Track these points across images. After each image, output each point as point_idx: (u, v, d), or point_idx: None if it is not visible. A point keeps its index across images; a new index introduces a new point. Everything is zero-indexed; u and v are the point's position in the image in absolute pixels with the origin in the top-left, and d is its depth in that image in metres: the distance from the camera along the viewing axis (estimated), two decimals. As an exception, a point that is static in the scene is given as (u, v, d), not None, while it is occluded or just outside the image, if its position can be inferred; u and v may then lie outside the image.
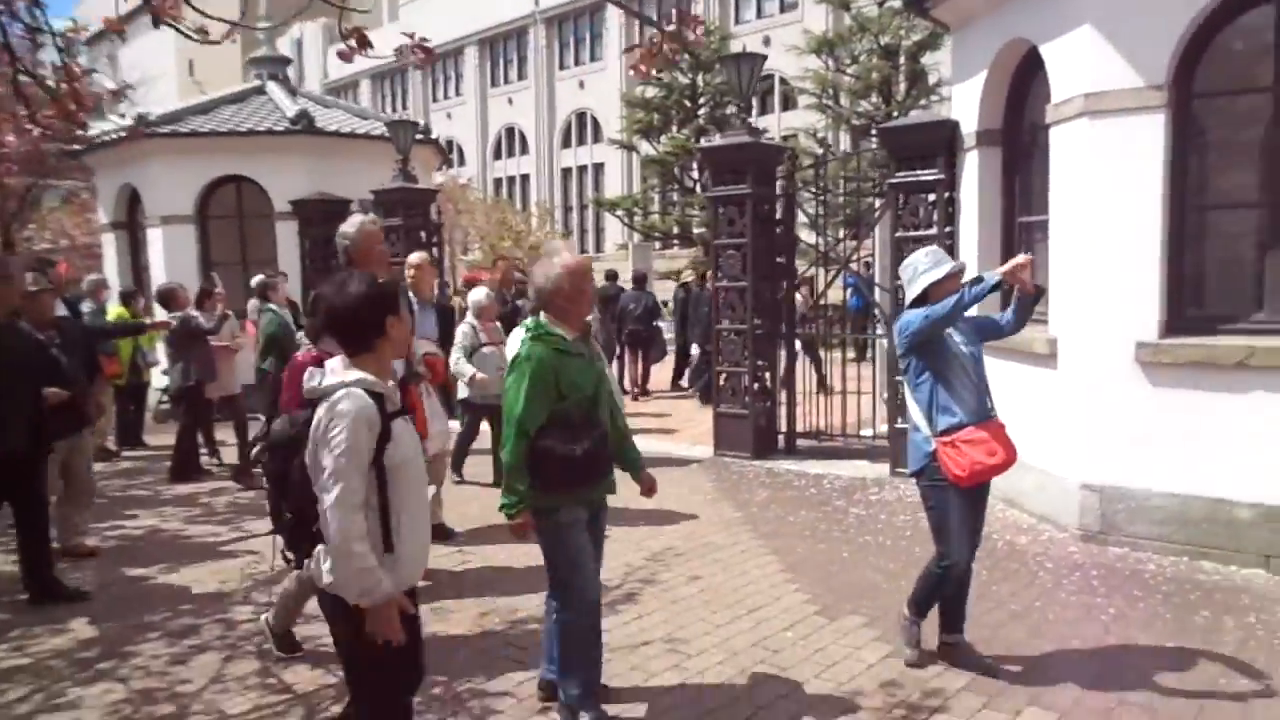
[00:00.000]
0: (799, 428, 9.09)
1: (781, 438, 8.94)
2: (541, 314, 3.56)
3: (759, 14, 35.73)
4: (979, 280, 3.91)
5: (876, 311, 9.75)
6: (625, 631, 4.58)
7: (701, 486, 7.65)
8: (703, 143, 15.63)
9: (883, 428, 8.31)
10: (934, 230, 7.54)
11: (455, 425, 7.55)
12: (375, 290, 2.67)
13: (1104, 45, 5.76)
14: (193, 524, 6.97)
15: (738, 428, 8.73)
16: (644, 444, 4.86)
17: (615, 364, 13.07)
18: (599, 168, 40.13)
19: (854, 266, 10.72)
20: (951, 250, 7.13)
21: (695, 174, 25.19)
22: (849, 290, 12.15)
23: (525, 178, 43.54)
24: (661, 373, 14.16)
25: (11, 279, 5.27)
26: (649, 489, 3.92)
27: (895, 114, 22.05)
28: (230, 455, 8.89)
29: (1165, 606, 4.79)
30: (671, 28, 3.53)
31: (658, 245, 28.14)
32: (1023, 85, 6.98)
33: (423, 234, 11.87)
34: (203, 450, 8.86)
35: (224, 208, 13.14)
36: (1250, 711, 3.66)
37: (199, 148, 12.59)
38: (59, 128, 4.82)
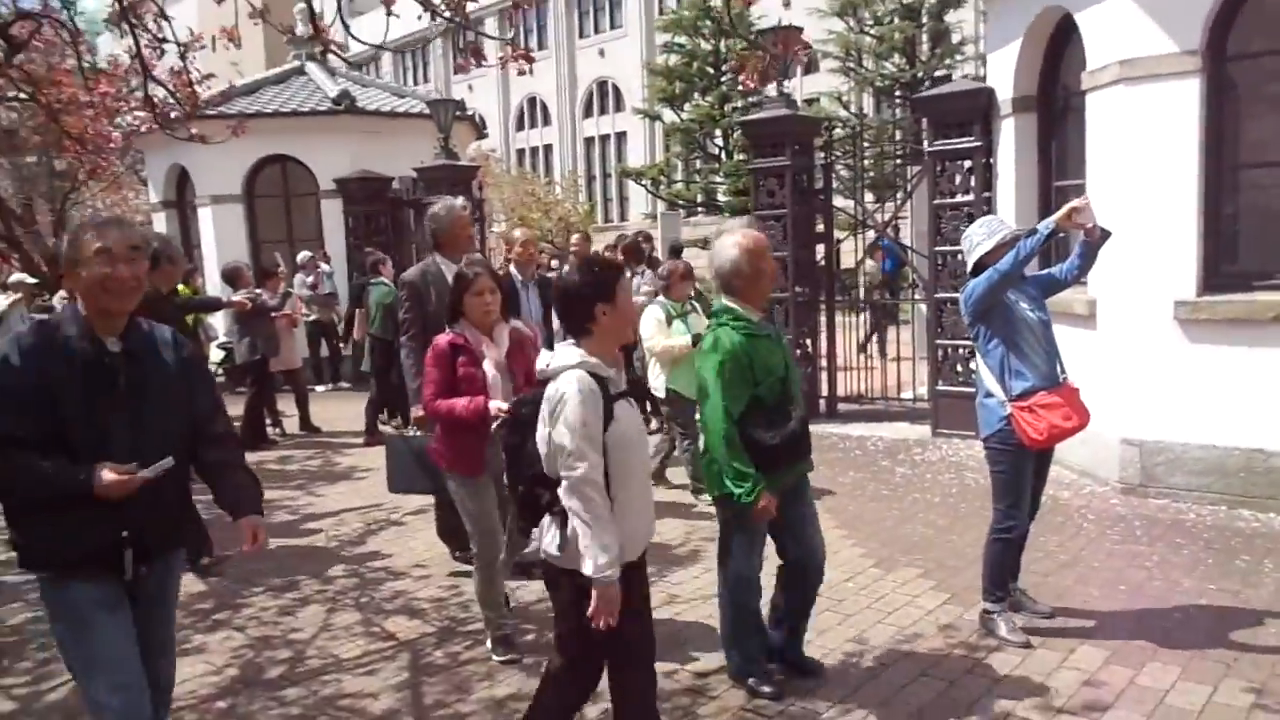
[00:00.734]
0: (840, 391, 9.37)
1: (823, 402, 9.23)
2: (724, 297, 3.51)
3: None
4: (1033, 232, 4.09)
5: (913, 275, 9.97)
6: (696, 584, 4.91)
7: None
8: (741, 116, 15.76)
9: (923, 390, 8.58)
10: (971, 197, 7.76)
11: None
12: (586, 278, 2.74)
13: (1138, 12, 5.93)
14: (268, 489, 7.34)
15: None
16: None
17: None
18: (621, 136, 40.17)
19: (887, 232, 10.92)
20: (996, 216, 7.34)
21: (720, 141, 25.31)
22: (883, 254, 12.38)
23: (548, 148, 43.65)
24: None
25: (176, 260, 5.61)
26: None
27: (920, 75, 22.07)
28: (291, 425, 9.33)
29: (1206, 552, 5.07)
30: (777, 50, 3.75)
31: (683, 214, 28.32)
32: (1057, 52, 7.16)
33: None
34: (266, 420, 9.28)
35: (270, 187, 13.51)
36: (1287, 643, 3.95)
37: (246, 128, 12.91)
38: (168, 124, 5.13)
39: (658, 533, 5.68)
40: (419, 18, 3.73)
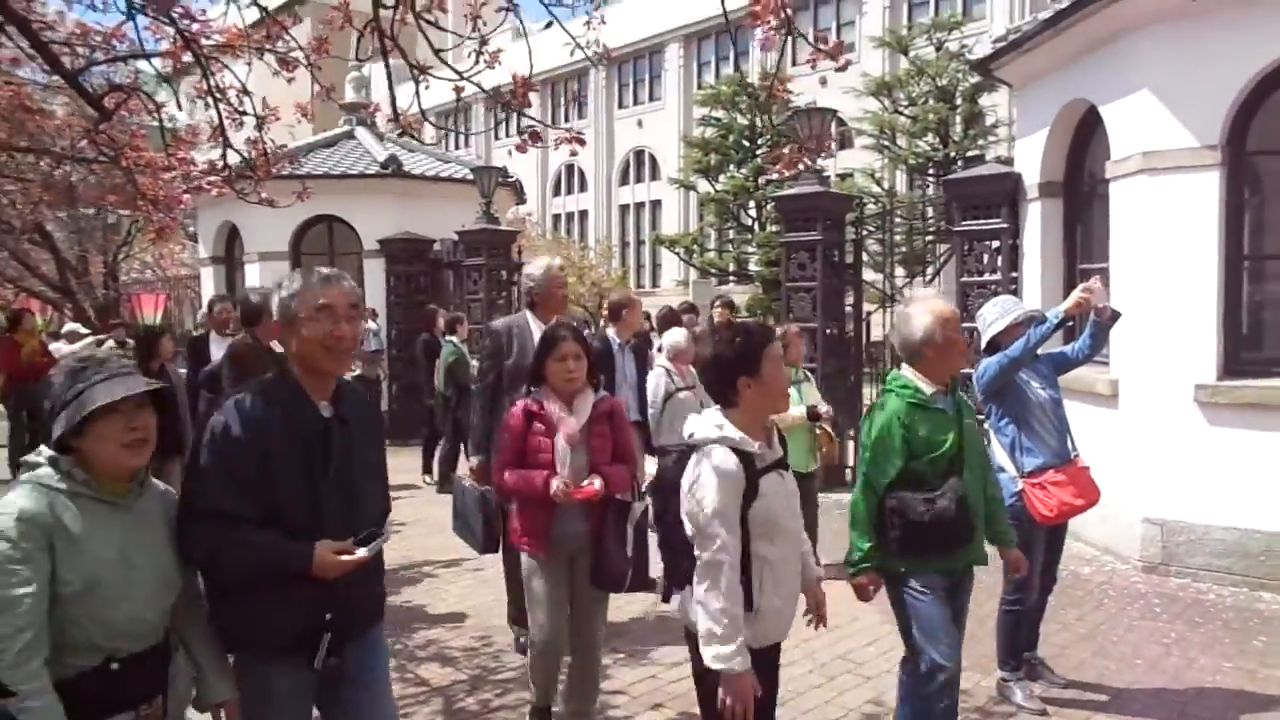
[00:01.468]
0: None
1: (849, 471, 9.35)
2: (903, 366, 3.37)
3: (794, 61, 36.27)
4: (1044, 320, 4.30)
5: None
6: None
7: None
8: (775, 190, 16.16)
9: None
10: (998, 276, 7.98)
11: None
12: (729, 349, 2.61)
13: (1161, 107, 6.19)
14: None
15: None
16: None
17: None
18: (656, 204, 40.90)
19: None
20: (1015, 296, 7.54)
21: (753, 212, 25.78)
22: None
23: (584, 214, 44.49)
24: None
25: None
26: (1015, 568, 3.71)
27: (952, 154, 22.44)
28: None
29: (1225, 632, 5.13)
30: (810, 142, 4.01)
31: (714, 282, 28.70)
32: (1083, 141, 7.43)
33: (503, 273, 12.55)
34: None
35: (316, 245, 14.00)
36: (1301, 724, 4.01)
37: (283, 189, 13.47)
38: (242, 188, 5.51)
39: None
40: (413, 76, 3.90)
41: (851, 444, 9.34)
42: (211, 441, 2.28)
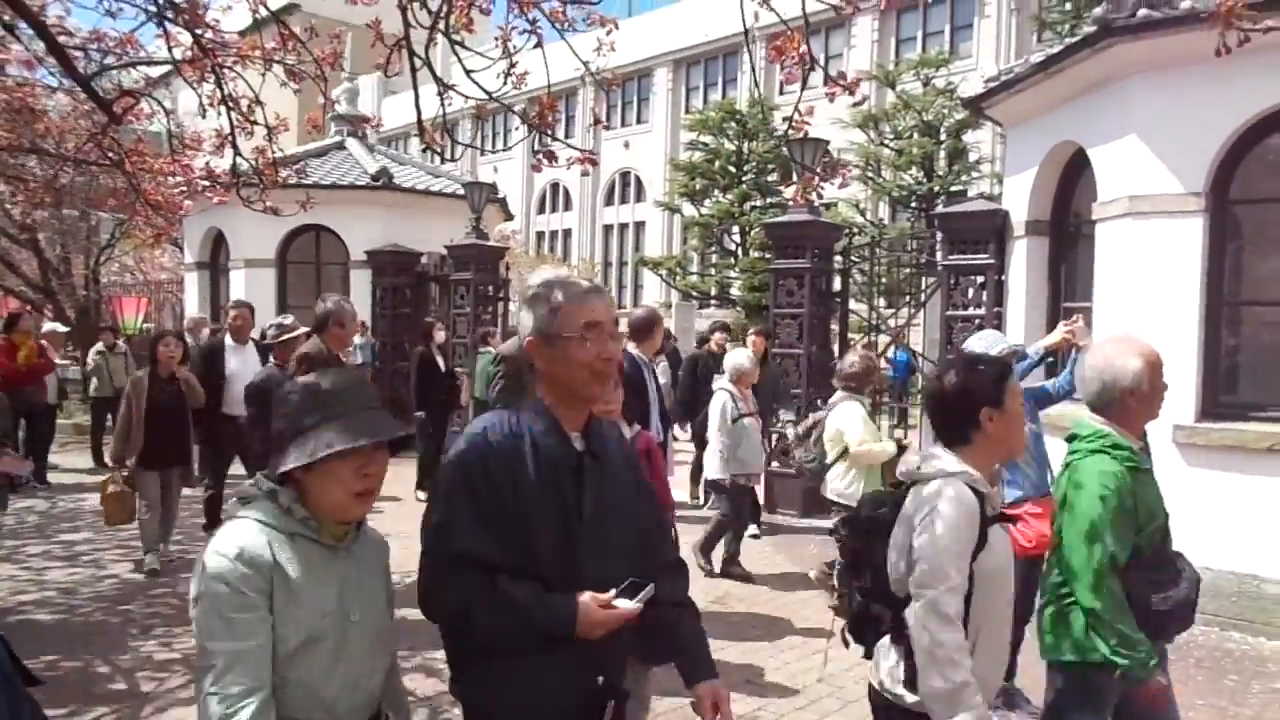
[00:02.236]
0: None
1: (829, 498, 9.43)
2: (1098, 416, 2.91)
3: (804, 85, 36.72)
4: (1024, 357, 4.42)
5: (924, 381, 10.28)
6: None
7: (754, 543, 8.15)
8: (762, 217, 16.32)
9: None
10: (983, 310, 8.11)
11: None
12: (970, 378, 2.39)
13: (1148, 153, 6.35)
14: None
15: (789, 487, 9.25)
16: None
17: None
18: (640, 226, 41.10)
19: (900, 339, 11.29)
20: (999, 331, 7.68)
21: (737, 237, 25.99)
22: (895, 361, 12.74)
23: (568, 232, 44.62)
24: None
25: (345, 323, 5.37)
26: None
27: (936, 189, 22.78)
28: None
29: (1197, 670, 5.23)
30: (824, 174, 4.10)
31: (696, 305, 28.84)
32: (1070, 181, 7.59)
33: (490, 288, 12.58)
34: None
35: (303, 254, 13.98)
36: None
37: (284, 197, 13.45)
38: (248, 196, 5.56)
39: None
40: (439, 93, 3.88)
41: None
42: (460, 475, 1.97)
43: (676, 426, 8.87)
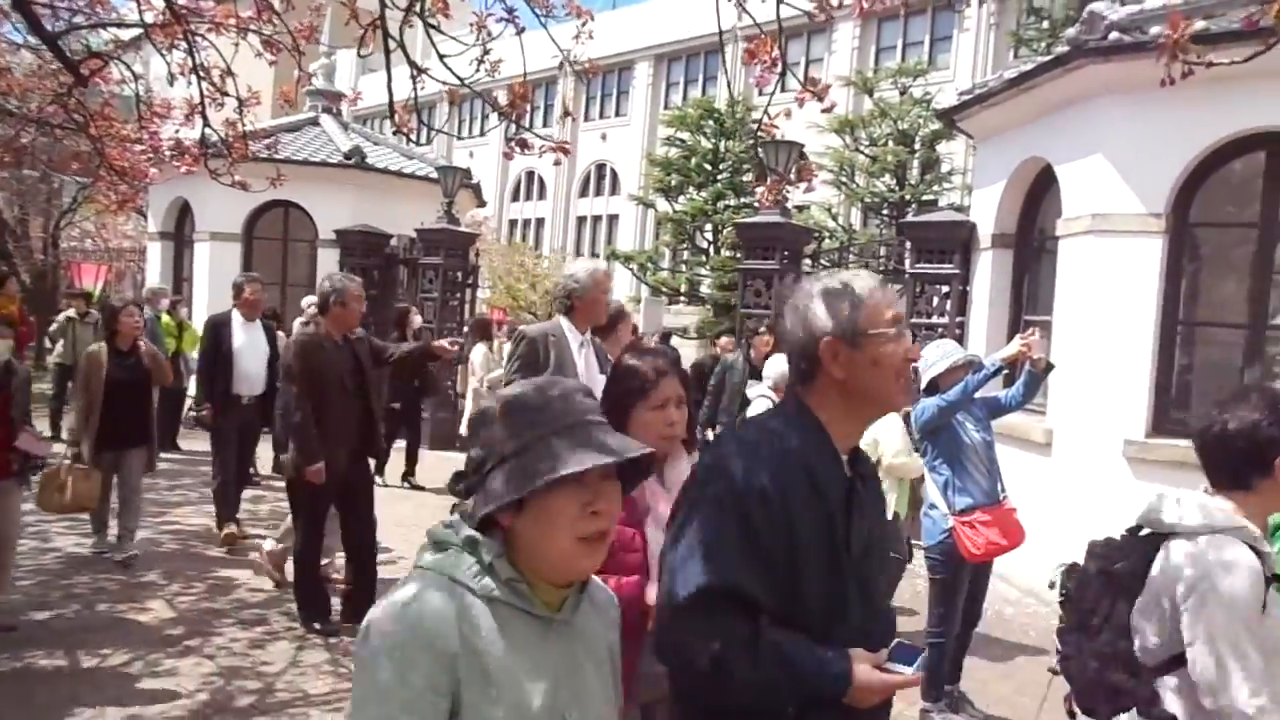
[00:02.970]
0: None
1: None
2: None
3: (782, 88, 36.87)
4: (982, 366, 4.51)
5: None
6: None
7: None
8: (735, 216, 16.38)
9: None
10: (946, 320, 8.21)
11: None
12: (1267, 417, 2.03)
13: (1113, 172, 6.47)
14: (257, 528, 7.47)
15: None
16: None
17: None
18: (614, 219, 41.06)
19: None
20: (961, 340, 7.79)
21: (710, 235, 26.05)
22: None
23: (540, 221, 44.47)
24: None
25: (349, 302, 5.09)
26: None
27: (907, 197, 22.97)
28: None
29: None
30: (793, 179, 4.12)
31: (665, 301, 28.92)
32: (1037, 196, 7.71)
33: (459, 274, 12.53)
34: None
35: (270, 229, 13.82)
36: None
37: (254, 171, 13.30)
38: (215, 168, 5.48)
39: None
40: (411, 76, 3.78)
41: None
42: (731, 497, 1.63)
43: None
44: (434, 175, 13.22)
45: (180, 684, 4.35)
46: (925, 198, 22.59)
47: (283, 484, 5.75)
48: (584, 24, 4.15)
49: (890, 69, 25.08)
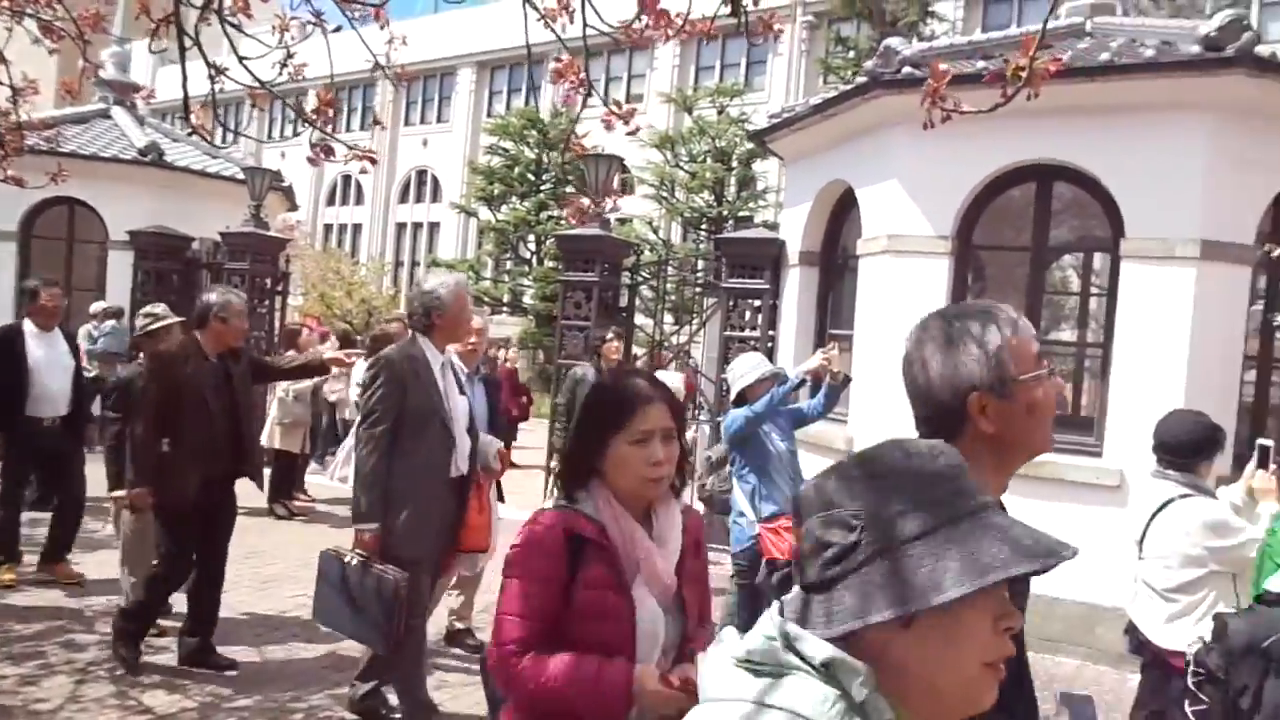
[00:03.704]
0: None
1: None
2: None
3: (604, 101, 37.32)
4: (786, 379, 4.77)
5: (700, 398, 10.68)
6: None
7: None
8: (557, 228, 16.42)
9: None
10: (758, 333, 8.55)
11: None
12: None
13: (906, 197, 6.94)
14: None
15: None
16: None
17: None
18: (435, 227, 40.27)
19: (682, 355, 11.70)
20: (772, 352, 8.14)
21: (532, 245, 26.03)
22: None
23: (358, 227, 43.04)
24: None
25: (229, 318, 4.73)
26: None
27: (725, 213, 23.79)
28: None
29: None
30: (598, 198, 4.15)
31: (488, 311, 28.66)
32: (840, 217, 8.17)
33: (268, 280, 11.95)
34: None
35: (52, 229, 12.74)
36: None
37: (33, 166, 12.20)
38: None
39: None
40: (210, 76, 3.55)
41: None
42: None
43: None
44: (241, 176, 12.57)
45: (-64, 730, 3.94)
46: (742, 214, 23.48)
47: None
48: (385, 29, 4.08)
49: (709, 88, 25.92)
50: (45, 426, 6.06)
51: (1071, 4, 7.48)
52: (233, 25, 3.05)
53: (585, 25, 2.59)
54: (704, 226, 24.34)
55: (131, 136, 12.85)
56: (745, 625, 3.36)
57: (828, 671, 0.97)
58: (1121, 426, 6.20)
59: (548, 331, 15.63)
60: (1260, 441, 3.60)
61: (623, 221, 27.20)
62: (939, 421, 1.53)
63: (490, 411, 4.99)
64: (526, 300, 25.67)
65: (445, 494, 4.03)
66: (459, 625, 5.40)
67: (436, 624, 5.07)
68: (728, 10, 2.67)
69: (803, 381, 4.75)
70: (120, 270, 12.34)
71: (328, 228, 43.37)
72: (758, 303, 8.66)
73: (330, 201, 44.49)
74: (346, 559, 3.79)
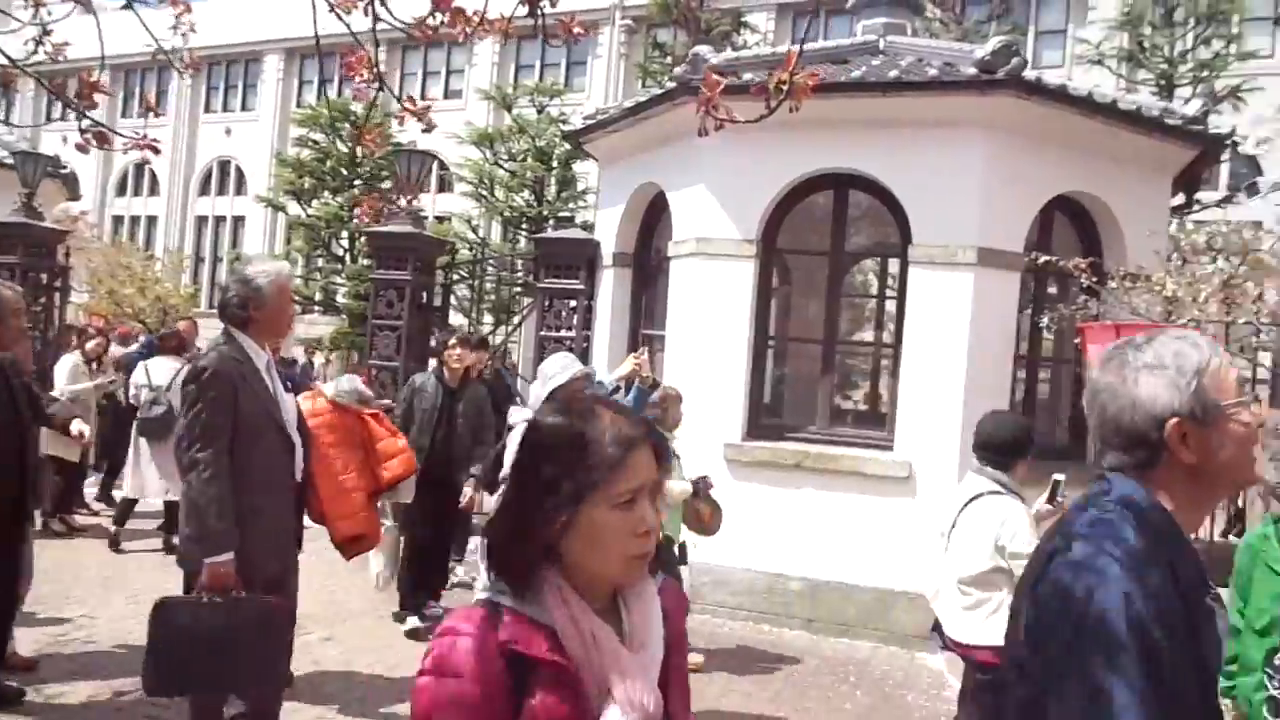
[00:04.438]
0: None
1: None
2: None
3: (423, 95, 36.57)
4: (600, 383, 4.83)
5: (519, 398, 10.62)
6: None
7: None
8: (370, 225, 15.88)
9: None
10: (573, 333, 8.59)
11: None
12: None
13: (714, 201, 7.15)
14: None
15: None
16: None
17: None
18: (239, 221, 38.17)
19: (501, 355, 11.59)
20: (587, 352, 8.20)
21: (345, 243, 25.07)
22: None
23: (152, 219, 40.19)
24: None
25: (4, 316, 4.16)
26: None
27: (545, 213, 23.74)
28: None
29: (732, 658, 5.94)
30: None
31: (299, 311, 27.39)
32: (653, 219, 8.32)
33: (44, 276, 10.96)
34: None
35: None
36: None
37: None
38: None
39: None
40: None
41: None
42: (1135, 632, 1.29)
43: None
44: (9, 161, 11.45)
45: None
46: (562, 214, 23.47)
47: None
48: (180, 14, 3.81)
49: (528, 86, 25.78)
50: None
51: (867, 22, 7.94)
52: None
53: (375, 19, 2.50)
54: (524, 226, 24.20)
55: (-124, 114, 11.47)
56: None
57: None
58: (910, 421, 6.63)
59: (361, 332, 15.11)
60: (1055, 476, 3.92)
61: (441, 219, 26.68)
62: (1134, 452, 1.46)
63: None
64: (339, 299, 24.69)
65: (289, 501, 3.63)
66: None
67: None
68: (525, 11, 2.65)
69: (617, 388, 4.83)
70: None
71: (118, 219, 40.29)
72: (573, 303, 8.70)
73: (121, 192, 41.35)
74: (203, 599, 3.19)
